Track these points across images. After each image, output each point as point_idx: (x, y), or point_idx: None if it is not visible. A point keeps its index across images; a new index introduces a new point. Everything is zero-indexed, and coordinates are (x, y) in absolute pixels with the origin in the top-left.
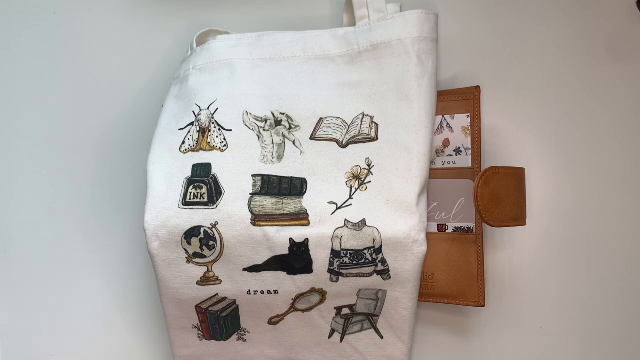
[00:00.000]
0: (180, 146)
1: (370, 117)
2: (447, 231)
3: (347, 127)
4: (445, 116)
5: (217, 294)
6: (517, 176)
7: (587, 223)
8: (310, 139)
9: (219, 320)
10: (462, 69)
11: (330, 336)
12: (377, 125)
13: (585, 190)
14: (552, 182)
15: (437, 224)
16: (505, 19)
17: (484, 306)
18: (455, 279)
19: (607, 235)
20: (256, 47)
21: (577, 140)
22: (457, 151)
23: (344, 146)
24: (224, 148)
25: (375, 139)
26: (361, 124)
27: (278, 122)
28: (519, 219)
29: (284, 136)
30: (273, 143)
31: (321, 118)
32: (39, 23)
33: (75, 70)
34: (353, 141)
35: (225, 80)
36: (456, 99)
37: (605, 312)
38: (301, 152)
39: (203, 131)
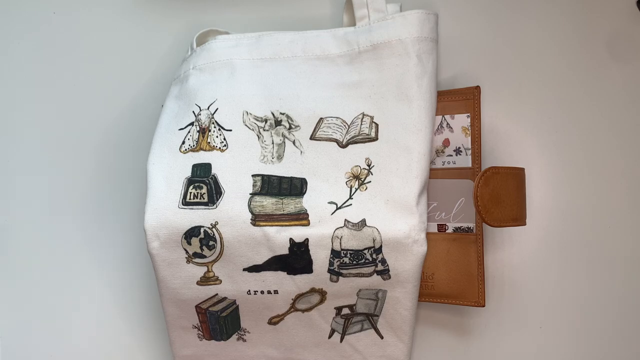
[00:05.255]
0: (180, 146)
1: (370, 117)
2: (447, 231)
3: (347, 127)
4: (445, 116)
5: (217, 294)
6: (517, 176)
7: (586, 223)
8: (310, 139)
9: (219, 320)
10: (462, 69)
11: (330, 336)
12: (377, 125)
13: (585, 190)
14: (552, 182)
15: (437, 224)
16: (505, 19)
17: (484, 306)
18: (455, 279)
19: (606, 235)
20: (256, 47)
21: (577, 140)
22: (457, 151)
23: (344, 146)
24: (224, 148)
25: (375, 139)
26: (361, 124)
27: (278, 122)
28: (518, 219)
29: (284, 136)
30: (273, 143)
31: (321, 118)
32: (39, 23)
33: (75, 70)
34: (353, 141)
35: (225, 80)
36: (456, 99)
37: (605, 311)
38: (301, 152)
39: (203, 131)
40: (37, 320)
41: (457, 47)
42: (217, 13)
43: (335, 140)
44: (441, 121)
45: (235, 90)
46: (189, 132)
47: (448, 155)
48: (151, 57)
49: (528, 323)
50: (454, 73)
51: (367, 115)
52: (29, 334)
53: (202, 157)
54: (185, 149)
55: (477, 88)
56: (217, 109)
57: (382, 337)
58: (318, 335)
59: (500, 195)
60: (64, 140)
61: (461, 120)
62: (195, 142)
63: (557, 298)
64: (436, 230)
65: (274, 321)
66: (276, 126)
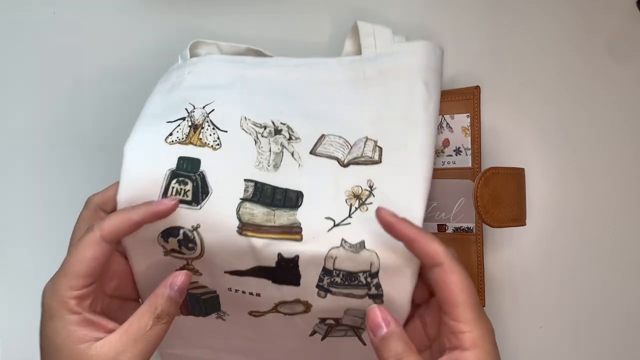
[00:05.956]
0: (167, 137)
1: (374, 140)
2: (447, 231)
3: (350, 147)
4: (445, 116)
5: (197, 281)
6: (517, 176)
7: (587, 223)
8: (310, 153)
9: (199, 301)
10: (462, 69)
11: (311, 335)
12: (380, 149)
13: (586, 190)
14: (552, 182)
15: (437, 224)
16: (506, 19)
17: (484, 306)
18: None
19: (607, 235)
20: (260, 66)
21: (577, 140)
22: (457, 151)
23: (345, 165)
24: (217, 147)
25: (379, 162)
26: (364, 147)
27: (278, 131)
28: (518, 219)
29: (282, 146)
30: (270, 151)
31: (323, 135)
32: (39, 23)
33: (75, 71)
34: (355, 162)
35: (224, 89)
36: (456, 99)
37: (606, 311)
38: (299, 164)
39: (195, 127)
40: (37, 320)
41: (457, 47)
42: (218, 20)
43: (337, 159)
44: (441, 121)
45: (235, 96)
46: (178, 125)
47: (448, 155)
48: (152, 58)
49: (528, 323)
50: (454, 73)
51: (371, 140)
52: (29, 334)
53: (191, 151)
54: (172, 141)
55: (477, 88)
56: (213, 109)
57: (364, 344)
58: (298, 333)
59: (500, 196)
60: (64, 140)
61: (461, 120)
62: (184, 136)
63: (557, 298)
64: (436, 231)
65: (254, 314)
66: (275, 134)
